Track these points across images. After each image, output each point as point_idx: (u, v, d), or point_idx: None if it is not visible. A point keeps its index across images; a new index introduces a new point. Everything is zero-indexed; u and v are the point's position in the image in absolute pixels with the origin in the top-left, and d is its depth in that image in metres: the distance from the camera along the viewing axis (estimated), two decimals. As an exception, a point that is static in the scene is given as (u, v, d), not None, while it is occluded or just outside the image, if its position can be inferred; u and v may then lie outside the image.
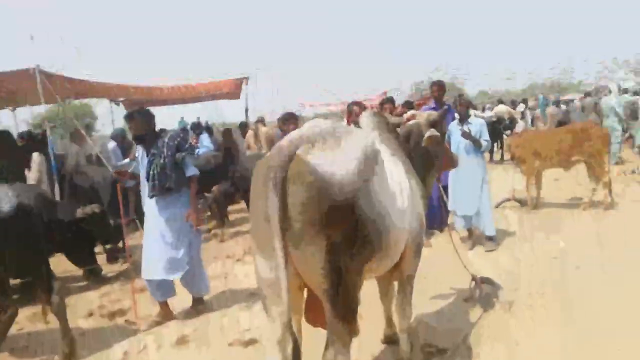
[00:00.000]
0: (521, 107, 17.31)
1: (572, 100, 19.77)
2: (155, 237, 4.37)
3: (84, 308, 4.93)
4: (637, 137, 11.76)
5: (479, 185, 5.76)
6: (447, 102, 6.84)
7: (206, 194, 7.73)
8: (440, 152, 3.59)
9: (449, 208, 5.87)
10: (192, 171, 4.45)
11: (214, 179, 7.89)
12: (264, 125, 10.05)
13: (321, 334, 2.37)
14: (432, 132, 3.40)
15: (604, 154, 7.12)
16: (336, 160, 2.15)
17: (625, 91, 13.68)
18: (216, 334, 4.03)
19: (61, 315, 3.77)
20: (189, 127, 11.78)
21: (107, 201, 6.49)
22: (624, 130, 11.67)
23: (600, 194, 7.12)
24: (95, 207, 5.14)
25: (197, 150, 8.73)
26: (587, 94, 16.26)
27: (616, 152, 10.41)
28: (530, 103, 20.33)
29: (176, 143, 4.37)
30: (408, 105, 7.54)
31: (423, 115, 3.62)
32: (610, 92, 12.09)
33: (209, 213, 8.70)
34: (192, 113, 13.45)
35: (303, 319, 2.59)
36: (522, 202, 7.62)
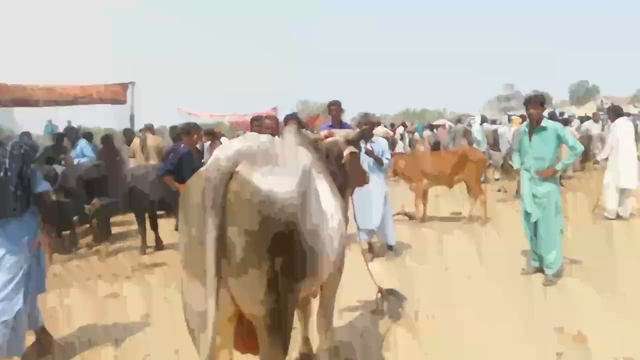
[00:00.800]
0: (401, 129, 18.59)
1: (442, 126, 21.78)
2: None
3: None
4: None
5: (382, 200, 6.02)
6: (346, 123, 7.05)
7: (86, 207, 6.94)
8: (357, 169, 3.66)
9: (357, 221, 5.97)
10: (43, 186, 3.61)
11: (95, 190, 7.15)
12: (153, 133, 9.40)
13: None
14: (352, 149, 3.46)
15: (479, 174, 7.96)
16: (278, 179, 2.03)
17: (484, 120, 15.34)
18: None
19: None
20: (59, 131, 10.64)
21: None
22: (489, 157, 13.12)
23: (477, 210, 7.87)
24: None
25: (75, 159, 7.92)
26: (458, 121, 18.02)
27: None
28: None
29: (22, 152, 3.47)
30: (295, 118, 7.45)
31: (341, 133, 3.64)
32: (473, 122, 13.55)
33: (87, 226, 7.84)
34: (61, 117, 11.93)
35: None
36: (410, 216, 8.12)
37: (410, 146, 17.88)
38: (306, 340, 3.47)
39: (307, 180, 2.21)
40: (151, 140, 8.71)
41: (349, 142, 3.51)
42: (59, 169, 7.56)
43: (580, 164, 12.94)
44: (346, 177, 3.45)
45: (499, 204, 9.42)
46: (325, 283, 2.85)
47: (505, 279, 5.11)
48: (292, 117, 5.96)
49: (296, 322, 3.42)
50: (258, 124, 5.60)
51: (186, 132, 5.37)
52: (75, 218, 7.31)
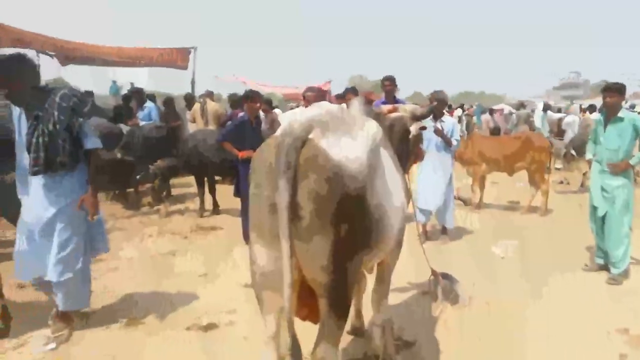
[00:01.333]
0: (459, 111, 18.04)
1: (500, 110, 20.94)
2: (37, 227, 3.35)
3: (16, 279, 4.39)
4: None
5: (446, 182, 5.90)
6: (400, 99, 6.89)
7: (150, 166, 7.23)
8: (418, 146, 3.60)
9: (418, 200, 5.91)
10: (93, 143, 3.41)
11: (158, 152, 7.41)
12: (212, 100, 9.56)
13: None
14: (420, 124, 3.41)
15: (544, 163, 7.58)
16: (349, 149, 2.03)
17: (548, 108, 14.58)
18: (171, 317, 3.75)
19: None
20: (123, 92, 10.96)
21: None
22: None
23: (537, 200, 7.55)
24: None
25: (142, 121, 8.20)
26: (521, 106, 17.25)
27: None
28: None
29: (71, 105, 3.30)
30: (354, 92, 7.35)
31: (407, 108, 3.56)
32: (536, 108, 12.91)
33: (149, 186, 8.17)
34: (124, 77, 12.22)
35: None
36: (465, 202, 7.90)
37: (467, 130, 17.36)
38: (358, 314, 3.50)
39: (376, 152, 2.21)
40: (211, 106, 8.88)
41: (416, 117, 3.44)
42: (124, 128, 7.88)
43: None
44: (408, 153, 3.40)
45: (559, 195, 9.01)
46: (385, 257, 2.83)
47: (565, 273, 4.89)
48: (350, 91, 5.92)
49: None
50: (311, 93, 5.53)
51: (249, 99, 5.39)
52: (138, 176, 7.65)
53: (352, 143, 2.07)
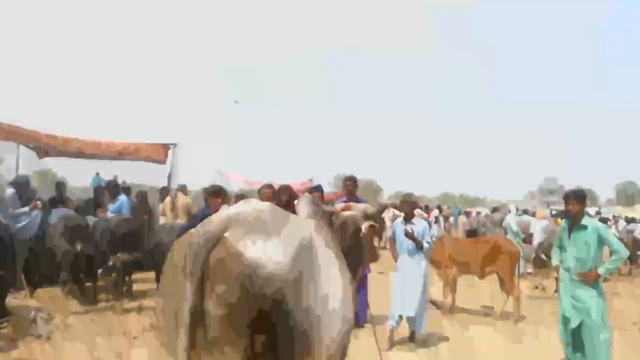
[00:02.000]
0: (436, 212, 18.28)
1: (479, 213, 21.31)
2: None
3: None
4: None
5: (420, 286, 5.77)
6: (361, 198, 6.98)
7: (111, 258, 7.01)
8: (372, 245, 3.56)
9: (392, 305, 5.81)
10: None
11: (123, 245, 7.22)
12: (185, 194, 9.60)
13: None
14: (371, 222, 3.37)
15: (513, 268, 7.53)
16: (268, 250, 1.90)
17: (524, 212, 14.89)
18: None
19: None
20: (103, 184, 10.99)
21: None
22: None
23: (511, 306, 7.36)
24: None
25: (111, 213, 8.12)
26: (495, 209, 17.59)
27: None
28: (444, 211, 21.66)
29: None
30: (319, 191, 7.37)
31: (359, 207, 3.56)
32: (509, 211, 13.12)
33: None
34: (105, 170, 12.32)
35: None
36: (437, 305, 7.68)
37: (445, 231, 17.48)
38: None
39: (305, 253, 2.07)
40: (182, 199, 8.88)
41: (367, 216, 3.42)
42: (91, 220, 7.75)
43: (628, 267, 12.14)
44: (362, 253, 3.34)
45: (535, 301, 8.83)
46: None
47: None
48: (315, 190, 5.99)
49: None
50: (267, 190, 5.51)
51: (213, 194, 5.39)
52: (99, 271, 7.37)
53: (272, 243, 1.94)
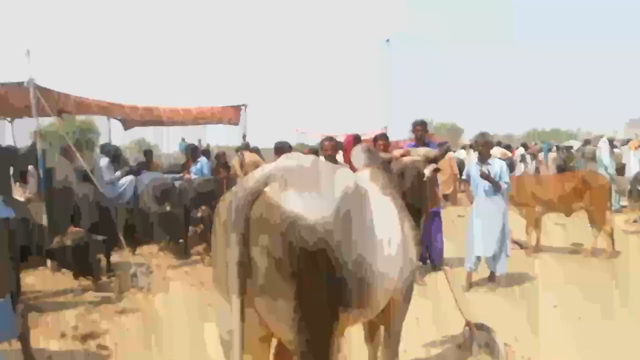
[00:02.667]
0: (520, 150, 17.27)
1: (571, 147, 19.80)
2: None
3: (57, 327, 4.65)
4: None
5: (499, 227, 5.61)
6: (431, 142, 6.76)
7: (197, 211, 7.58)
8: (433, 190, 3.48)
9: (468, 247, 5.76)
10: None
11: (206, 204, 7.72)
12: (250, 151, 9.96)
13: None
14: (434, 166, 3.30)
15: (605, 202, 7.03)
16: (309, 201, 1.90)
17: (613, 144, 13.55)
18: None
19: (22, 335, 3.53)
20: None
21: (89, 218, 6.29)
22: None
23: (603, 242, 6.93)
24: (78, 238, 4.94)
25: (194, 175, 8.67)
26: (587, 142, 16.24)
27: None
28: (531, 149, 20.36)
29: None
30: (385, 139, 7.23)
31: (420, 151, 3.47)
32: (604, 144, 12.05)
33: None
34: (192, 135, 13.15)
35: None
36: (521, 245, 7.43)
37: (533, 169, 16.50)
38: (374, 364, 3.30)
39: (351, 202, 2.06)
40: (248, 157, 9.21)
41: (430, 160, 3.35)
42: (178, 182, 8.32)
43: None
44: (425, 197, 3.29)
45: (634, 236, 8.22)
46: (387, 312, 2.68)
47: (627, 325, 4.36)
48: (381, 138, 5.90)
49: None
50: (328, 143, 5.52)
51: (278, 150, 5.53)
52: (189, 227, 7.97)
53: (313, 196, 1.94)
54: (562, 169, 14.83)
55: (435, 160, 3.43)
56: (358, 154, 3.07)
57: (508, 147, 17.52)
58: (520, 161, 15.73)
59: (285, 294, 1.85)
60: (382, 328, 2.96)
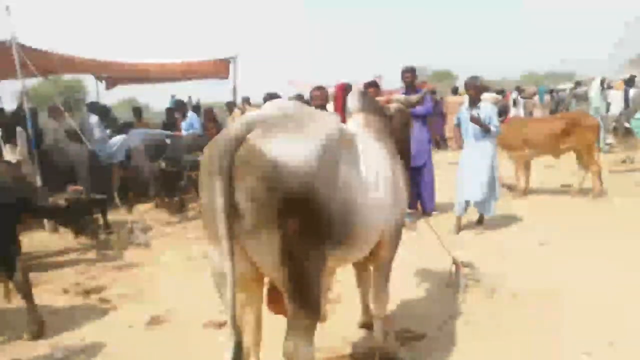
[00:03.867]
0: (514, 94, 17.14)
1: (564, 90, 19.66)
2: None
3: (59, 284, 4.81)
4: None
5: (487, 171, 5.68)
6: (420, 88, 6.75)
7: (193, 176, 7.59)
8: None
9: (458, 192, 5.88)
10: None
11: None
12: (250, 105, 9.86)
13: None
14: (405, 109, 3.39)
15: (593, 142, 7.11)
16: (292, 145, 1.94)
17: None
18: (190, 314, 3.91)
19: (25, 293, 3.65)
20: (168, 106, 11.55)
21: (84, 177, 6.34)
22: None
23: (590, 182, 7.06)
24: (73, 194, 4.98)
25: (184, 130, 8.63)
26: (578, 83, 16.13)
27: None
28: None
29: None
30: (375, 86, 7.23)
31: (400, 98, 3.51)
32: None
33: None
34: (182, 91, 12.98)
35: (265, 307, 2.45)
36: (510, 188, 7.57)
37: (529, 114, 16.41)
38: (366, 309, 3.46)
39: (334, 147, 2.11)
40: (248, 110, 9.13)
41: (411, 105, 3.40)
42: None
43: None
44: (409, 141, 3.37)
45: (620, 176, 8.35)
46: (377, 252, 2.79)
47: (613, 261, 4.48)
48: (371, 85, 5.86)
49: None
50: (317, 92, 5.53)
51: (268, 101, 5.50)
52: (181, 183, 8.02)
53: (297, 139, 1.99)
54: (554, 112, 14.84)
55: (415, 104, 3.51)
56: (354, 99, 3.09)
57: (502, 92, 17.39)
58: (514, 105, 15.65)
59: (271, 237, 1.93)
60: (372, 270, 3.09)
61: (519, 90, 18.63)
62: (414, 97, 3.45)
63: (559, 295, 3.85)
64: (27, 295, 3.67)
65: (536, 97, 18.10)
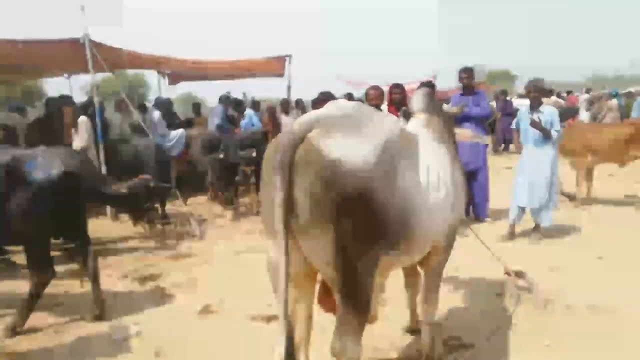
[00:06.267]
0: (585, 96, 16.22)
1: (630, 93, 18.40)
2: None
3: (119, 270, 5.08)
4: None
5: (546, 178, 5.49)
6: (479, 90, 6.60)
7: (244, 168, 7.81)
8: None
9: (513, 198, 5.72)
10: None
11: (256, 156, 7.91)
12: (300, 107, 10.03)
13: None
14: None
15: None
16: (351, 146, 1.97)
17: None
18: (238, 306, 4.04)
19: (94, 278, 3.90)
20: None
21: (151, 169, 6.63)
22: None
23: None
24: (141, 183, 5.17)
25: (244, 127, 8.89)
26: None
27: None
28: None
29: None
30: (429, 85, 7.10)
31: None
32: None
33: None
34: (236, 88, 13.35)
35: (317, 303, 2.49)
36: (570, 197, 7.23)
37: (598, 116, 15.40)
38: (413, 313, 3.45)
39: (393, 149, 2.11)
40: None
41: (450, 118, 3.36)
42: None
43: None
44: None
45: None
46: (430, 257, 2.77)
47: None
48: (426, 85, 5.78)
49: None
50: (397, 91, 5.60)
51: (320, 102, 5.55)
52: (237, 178, 8.25)
53: (356, 140, 2.01)
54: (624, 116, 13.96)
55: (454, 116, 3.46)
56: (417, 99, 3.09)
57: (569, 93, 16.58)
58: (587, 109, 14.75)
59: (325, 235, 1.97)
60: (422, 275, 3.06)
61: (589, 92, 17.63)
62: (453, 109, 3.41)
63: (615, 312, 3.68)
64: (96, 280, 3.91)
65: (614, 100, 16.82)
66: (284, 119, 9.62)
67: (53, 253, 3.93)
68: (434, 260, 2.85)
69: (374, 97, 5.11)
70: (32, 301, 3.70)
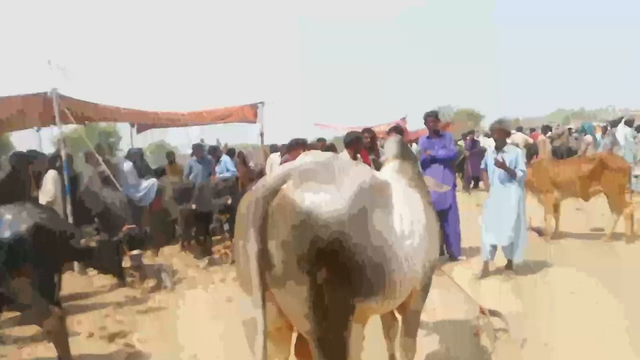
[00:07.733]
0: (542, 137, 16.72)
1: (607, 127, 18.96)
2: None
3: (85, 328, 4.86)
4: None
5: (513, 215, 5.59)
6: (445, 133, 6.81)
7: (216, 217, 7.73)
8: None
9: (484, 236, 5.79)
10: None
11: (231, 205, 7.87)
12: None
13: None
14: None
15: (623, 185, 6.94)
16: (323, 197, 1.98)
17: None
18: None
19: (58, 341, 3.70)
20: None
21: (121, 222, 6.49)
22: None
23: (622, 226, 6.84)
24: (100, 239, 5.05)
25: (219, 173, 8.89)
26: (617, 122, 15.64)
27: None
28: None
29: None
30: (397, 130, 7.33)
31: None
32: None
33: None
34: (209, 135, 13.42)
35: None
36: (539, 232, 7.37)
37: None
38: (392, 358, 3.39)
39: (366, 198, 2.13)
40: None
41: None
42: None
43: None
44: None
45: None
46: (406, 302, 2.73)
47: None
48: (394, 131, 5.95)
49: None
50: (367, 135, 5.79)
51: (290, 148, 5.63)
52: (212, 225, 8.15)
53: (329, 191, 2.03)
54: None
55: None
56: (391, 145, 3.16)
57: (532, 131, 17.09)
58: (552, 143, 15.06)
59: (300, 287, 1.95)
60: (399, 319, 3.02)
61: (548, 129, 18.24)
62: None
63: (593, 346, 3.69)
64: (59, 343, 3.70)
65: (587, 136, 17.20)
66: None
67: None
68: (411, 306, 2.83)
69: (367, 139, 5.43)
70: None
